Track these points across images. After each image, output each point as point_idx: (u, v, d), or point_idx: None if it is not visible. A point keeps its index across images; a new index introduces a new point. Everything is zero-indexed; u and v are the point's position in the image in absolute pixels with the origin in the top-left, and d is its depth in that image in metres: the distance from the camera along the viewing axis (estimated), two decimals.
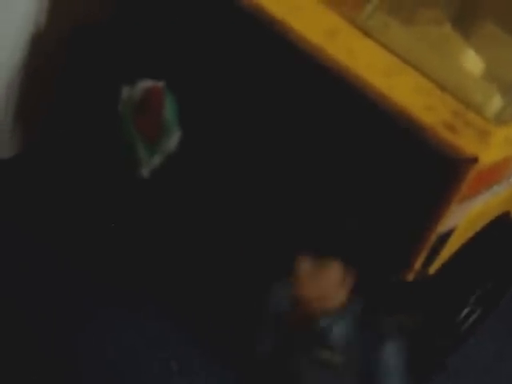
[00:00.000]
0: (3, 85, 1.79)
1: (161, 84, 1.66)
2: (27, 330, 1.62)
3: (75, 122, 1.83)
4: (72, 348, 1.63)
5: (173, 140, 1.67)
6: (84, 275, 1.75)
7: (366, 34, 1.59)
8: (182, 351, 1.68)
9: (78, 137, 1.82)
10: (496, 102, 1.54)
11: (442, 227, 1.49)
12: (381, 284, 1.51)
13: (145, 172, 1.71)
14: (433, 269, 1.59)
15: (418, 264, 1.52)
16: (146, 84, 1.68)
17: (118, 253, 1.79)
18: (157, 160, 1.69)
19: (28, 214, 1.81)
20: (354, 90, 1.48)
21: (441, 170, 1.42)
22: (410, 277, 1.53)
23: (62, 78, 1.80)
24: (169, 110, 1.66)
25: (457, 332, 1.78)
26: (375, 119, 1.47)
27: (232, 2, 1.56)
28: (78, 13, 1.77)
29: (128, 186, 1.75)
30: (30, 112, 1.87)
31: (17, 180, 1.86)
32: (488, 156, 1.47)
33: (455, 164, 1.41)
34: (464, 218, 1.57)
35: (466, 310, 1.77)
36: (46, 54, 1.80)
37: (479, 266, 1.70)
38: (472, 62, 1.64)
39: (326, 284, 1.19)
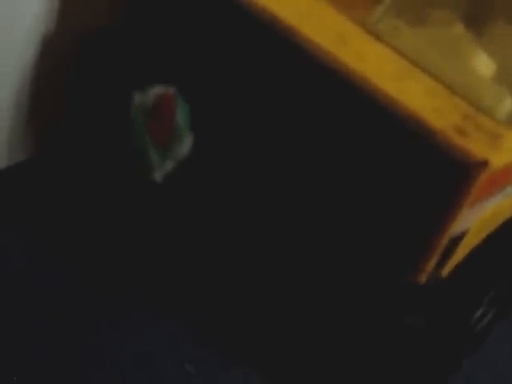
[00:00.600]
0: (14, 88, 1.80)
1: (172, 90, 1.67)
2: (36, 333, 1.64)
3: (87, 128, 1.84)
4: (83, 352, 1.63)
5: (185, 145, 1.68)
6: (96, 278, 1.76)
7: (376, 37, 1.59)
8: (196, 353, 1.69)
9: (90, 142, 1.84)
10: (507, 105, 1.53)
11: (454, 230, 1.49)
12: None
13: (158, 177, 1.73)
14: (446, 271, 1.59)
15: (430, 266, 1.52)
16: (157, 90, 1.69)
17: (131, 255, 1.81)
18: (169, 165, 1.71)
19: (38, 217, 1.83)
20: (363, 94, 1.48)
21: (451, 174, 1.42)
22: (423, 279, 1.53)
23: (72, 83, 1.82)
24: (180, 116, 1.67)
25: (471, 334, 1.78)
26: (385, 123, 1.46)
27: (241, 7, 1.57)
28: (89, 15, 1.78)
29: (141, 190, 1.77)
30: (42, 115, 1.88)
31: (26, 184, 1.87)
32: (499, 158, 1.46)
33: (465, 168, 1.40)
34: (477, 219, 1.57)
35: (479, 312, 1.77)
36: (56, 56, 1.80)
37: (493, 267, 1.71)
38: (483, 63, 1.63)
39: None
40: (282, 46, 1.55)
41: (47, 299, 1.69)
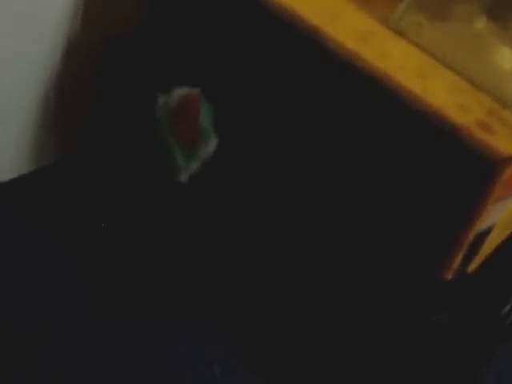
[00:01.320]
0: (41, 91, 1.81)
1: (196, 91, 1.68)
2: (50, 334, 1.64)
3: (112, 129, 1.86)
4: (109, 356, 1.64)
5: (210, 146, 1.69)
6: (120, 277, 1.77)
7: (399, 34, 1.58)
8: (223, 355, 1.69)
9: (115, 144, 1.85)
10: None
11: (480, 226, 1.49)
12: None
13: (183, 178, 1.74)
14: (473, 267, 1.58)
15: (456, 263, 1.52)
16: (181, 91, 1.70)
17: (157, 255, 1.82)
18: (194, 166, 1.71)
19: (63, 220, 1.84)
20: (386, 92, 1.47)
21: (476, 171, 1.41)
22: (449, 276, 1.53)
23: (97, 86, 1.83)
24: (205, 117, 1.67)
25: (498, 330, 1.78)
26: (409, 120, 1.46)
27: (262, 7, 1.57)
28: (116, 16, 1.79)
29: (167, 191, 1.78)
30: (68, 117, 1.89)
31: (51, 188, 1.89)
32: None
33: (490, 164, 1.40)
34: (503, 215, 1.57)
35: (507, 308, 1.76)
36: (82, 59, 1.82)
37: None
38: (507, 58, 1.62)
39: None
40: (305, 46, 1.55)
41: (68, 298, 1.70)
